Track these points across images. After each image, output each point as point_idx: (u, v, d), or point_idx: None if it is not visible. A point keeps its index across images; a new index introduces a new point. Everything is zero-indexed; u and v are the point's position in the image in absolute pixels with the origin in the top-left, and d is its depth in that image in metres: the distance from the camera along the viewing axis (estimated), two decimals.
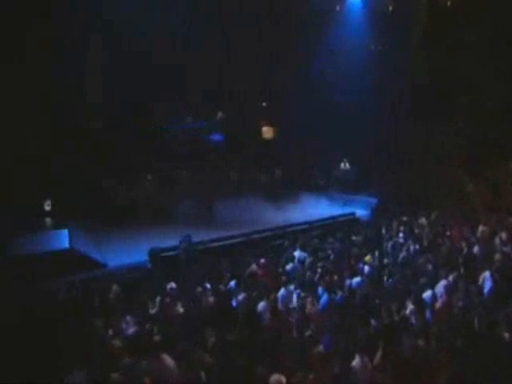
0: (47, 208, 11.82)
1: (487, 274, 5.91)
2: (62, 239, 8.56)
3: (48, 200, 11.86)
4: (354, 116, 14.57)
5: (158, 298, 5.69)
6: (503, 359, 3.86)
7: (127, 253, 8.85)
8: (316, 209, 12.86)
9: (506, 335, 4.31)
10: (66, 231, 9.06)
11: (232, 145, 16.49)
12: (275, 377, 3.18)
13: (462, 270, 6.25)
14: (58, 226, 10.46)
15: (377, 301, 5.73)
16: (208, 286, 6.10)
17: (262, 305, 5.47)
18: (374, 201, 13.15)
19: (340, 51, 15.69)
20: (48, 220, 11.36)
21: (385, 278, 6.49)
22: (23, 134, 11.06)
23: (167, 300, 5.59)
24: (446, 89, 13.11)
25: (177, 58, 14.32)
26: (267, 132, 18.48)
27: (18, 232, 9.17)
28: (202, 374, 3.63)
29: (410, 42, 14.83)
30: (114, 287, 6.02)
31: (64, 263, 7.50)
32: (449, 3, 14.99)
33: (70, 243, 8.29)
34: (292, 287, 6.15)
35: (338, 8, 17.29)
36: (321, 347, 3.68)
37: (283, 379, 3.16)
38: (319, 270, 6.43)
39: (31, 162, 11.08)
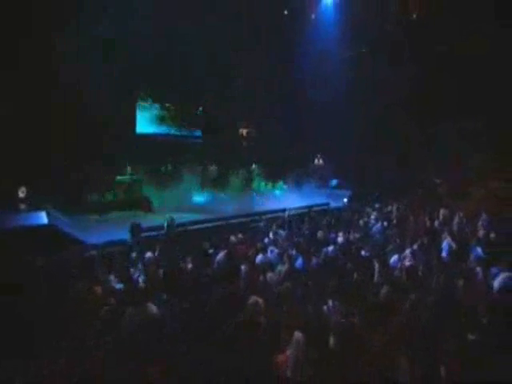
0: (21, 195, 11.62)
1: (445, 241, 6.55)
2: (41, 218, 8.48)
3: (22, 187, 11.68)
4: (328, 114, 15.19)
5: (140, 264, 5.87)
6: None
7: (106, 233, 8.86)
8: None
9: (460, 283, 4.86)
10: (43, 212, 8.96)
11: (211, 140, 16.75)
12: (253, 298, 3.46)
13: (425, 240, 6.81)
14: (33, 210, 10.31)
15: (349, 265, 6.15)
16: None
17: (242, 268, 5.76)
18: (348, 193, 13.75)
19: (315, 56, 16.45)
20: (23, 206, 11.15)
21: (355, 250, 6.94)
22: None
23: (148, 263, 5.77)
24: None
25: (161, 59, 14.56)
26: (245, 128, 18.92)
27: None
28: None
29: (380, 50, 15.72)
30: (93, 252, 6.11)
31: (43, 238, 7.45)
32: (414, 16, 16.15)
33: (49, 221, 8.24)
34: (269, 254, 6.49)
35: (313, 16, 18.27)
36: (289, 284, 3.99)
37: (260, 300, 3.45)
38: (295, 239, 6.78)
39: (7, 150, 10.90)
